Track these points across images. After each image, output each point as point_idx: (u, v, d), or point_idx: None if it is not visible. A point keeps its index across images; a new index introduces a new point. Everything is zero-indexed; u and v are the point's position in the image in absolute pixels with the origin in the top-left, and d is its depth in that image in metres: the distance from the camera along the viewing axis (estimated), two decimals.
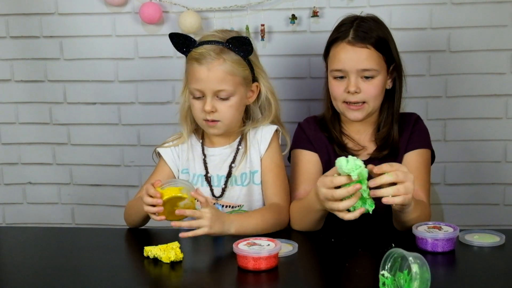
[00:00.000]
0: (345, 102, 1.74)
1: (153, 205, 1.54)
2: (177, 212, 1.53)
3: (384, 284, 1.24)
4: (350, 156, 1.42)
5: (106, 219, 2.34)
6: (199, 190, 1.59)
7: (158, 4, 2.17)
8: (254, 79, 1.76)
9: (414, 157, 1.76)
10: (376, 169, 1.43)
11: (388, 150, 1.76)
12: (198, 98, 1.71)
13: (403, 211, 1.52)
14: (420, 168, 1.74)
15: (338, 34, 1.73)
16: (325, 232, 1.63)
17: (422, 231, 1.48)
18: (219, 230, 1.57)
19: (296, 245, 1.51)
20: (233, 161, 1.77)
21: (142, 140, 2.32)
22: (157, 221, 1.57)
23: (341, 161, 1.41)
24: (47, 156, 2.38)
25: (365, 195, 1.43)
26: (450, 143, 2.22)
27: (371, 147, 1.80)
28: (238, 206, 1.77)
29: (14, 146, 2.39)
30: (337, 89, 1.74)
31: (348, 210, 1.44)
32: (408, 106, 1.98)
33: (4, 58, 2.31)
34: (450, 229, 1.49)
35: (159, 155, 1.83)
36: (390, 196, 1.41)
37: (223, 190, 1.76)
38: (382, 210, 1.52)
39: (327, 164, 1.76)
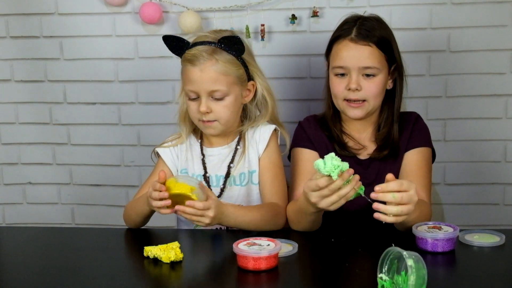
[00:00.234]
0: (346, 99, 1.74)
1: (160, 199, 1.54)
2: (177, 207, 1.53)
3: (383, 287, 1.24)
4: (326, 157, 1.41)
5: (106, 219, 2.34)
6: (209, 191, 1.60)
7: (158, 4, 2.17)
8: (250, 78, 1.75)
9: (414, 156, 1.76)
10: (379, 188, 1.40)
11: (388, 150, 1.76)
12: (193, 99, 1.71)
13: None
14: (421, 167, 1.74)
15: (341, 32, 1.73)
16: (325, 232, 1.63)
17: (422, 231, 1.47)
18: (217, 222, 1.60)
19: (296, 245, 1.50)
20: (231, 161, 1.77)
21: (142, 140, 2.32)
22: (156, 221, 1.57)
23: (318, 164, 1.41)
24: (47, 156, 2.38)
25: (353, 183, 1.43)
26: (450, 143, 2.21)
27: (371, 147, 1.80)
28: None
29: (14, 146, 2.38)
30: (338, 86, 1.74)
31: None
32: (408, 106, 1.98)
33: (4, 58, 2.31)
34: (450, 229, 1.49)
35: (158, 155, 1.83)
36: (391, 216, 1.40)
37: (222, 190, 1.76)
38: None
39: None
